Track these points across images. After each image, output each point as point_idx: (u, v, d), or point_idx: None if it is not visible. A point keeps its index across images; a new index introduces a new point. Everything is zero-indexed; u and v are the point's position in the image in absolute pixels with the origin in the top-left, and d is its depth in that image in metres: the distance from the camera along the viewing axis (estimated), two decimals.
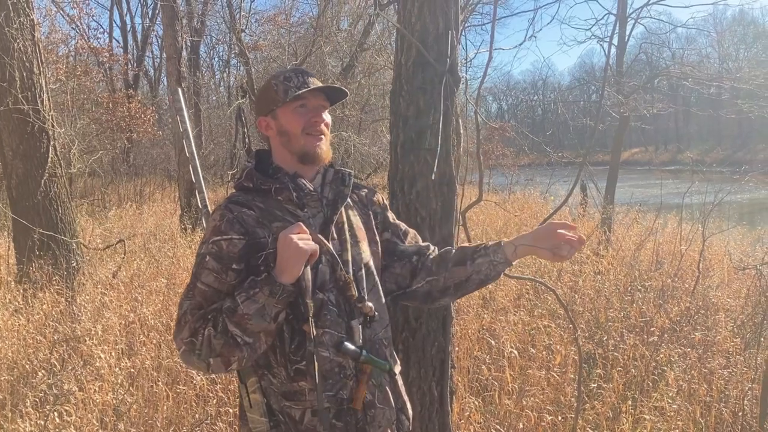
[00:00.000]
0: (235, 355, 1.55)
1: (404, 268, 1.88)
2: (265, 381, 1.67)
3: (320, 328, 1.63)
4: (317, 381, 1.60)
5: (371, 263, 1.79)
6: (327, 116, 1.76)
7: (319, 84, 1.75)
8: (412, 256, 1.89)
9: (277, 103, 1.72)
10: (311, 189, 1.73)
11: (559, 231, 1.74)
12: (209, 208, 1.81)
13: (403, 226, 1.97)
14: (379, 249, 1.86)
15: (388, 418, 1.74)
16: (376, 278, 1.81)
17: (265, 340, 1.58)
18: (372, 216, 1.88)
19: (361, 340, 1.69)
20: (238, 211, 1.64)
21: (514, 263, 1.83)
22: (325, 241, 1.66)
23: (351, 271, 1.71)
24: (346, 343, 1.65)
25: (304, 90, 1.70)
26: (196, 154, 1.88)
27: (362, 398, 1.66)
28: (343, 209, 1.76)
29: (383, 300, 1.82)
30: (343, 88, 1.79)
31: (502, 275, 1.87)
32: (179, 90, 1.94)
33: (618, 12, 9.82)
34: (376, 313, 1.73)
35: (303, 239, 1.55)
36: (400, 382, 1.84)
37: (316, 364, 1.60)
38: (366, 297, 1.72)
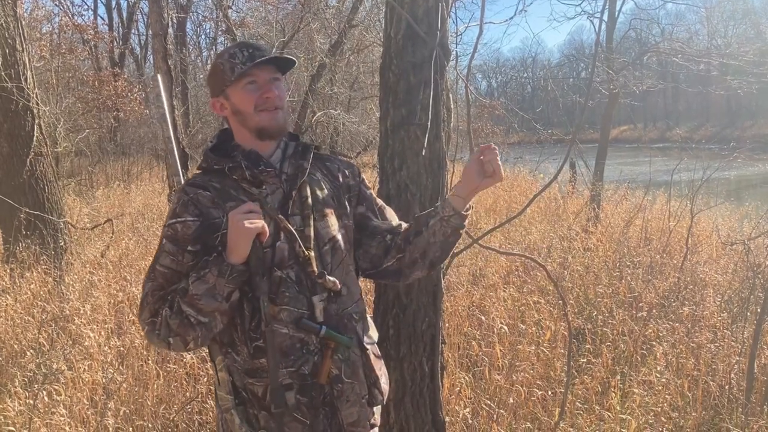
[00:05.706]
0: (189, 335, 1.58)
1: (378, 248, 1.83)
2: (229, 359, 1.68)
3: (278, 306, 1.63)
4: (269, 359, 1.60)
5: (339, 237, 1.75)
6: (279, 88, 1.70)
7: (267, 56, 1.67)
8: (386, 235, 1.84)
9: (226, 82, 1.68)
10: (270, 165, 1.70)
11: (480, 160, 1.76)
12: None
13: (379, 201, 1.93)
14: (351, 222, 1.82)
15: (357, 392, 1.72)
16: (345, 252, 1.77)
17: (221, 320, 1.60)
18: (344, 189, 1.84)
19: (322, 316, 1.66)
20: (193, 193, 1.65)
21: (467, 211, 1.80)
22: (283, 218, 1.65)
23: (313, 246, 1.68)
24: (305, 319, 1.64)
25: (248, 66, 1.64)
26: (173, 138, 1.89)
27: (326, 373, 1.65)
28: (308, 183, 1.73)
29: (353, 274, 1.80)
30: (290, 56, 1.71)
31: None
32: (158, 76, 1.92)
33: None
34: (343, 287, 1.72)
35: (249, 218, 1.54)
36: (374, 356, 1.80)
37: (268, 341, 1.60)
38: (328, 272, 1.69)
